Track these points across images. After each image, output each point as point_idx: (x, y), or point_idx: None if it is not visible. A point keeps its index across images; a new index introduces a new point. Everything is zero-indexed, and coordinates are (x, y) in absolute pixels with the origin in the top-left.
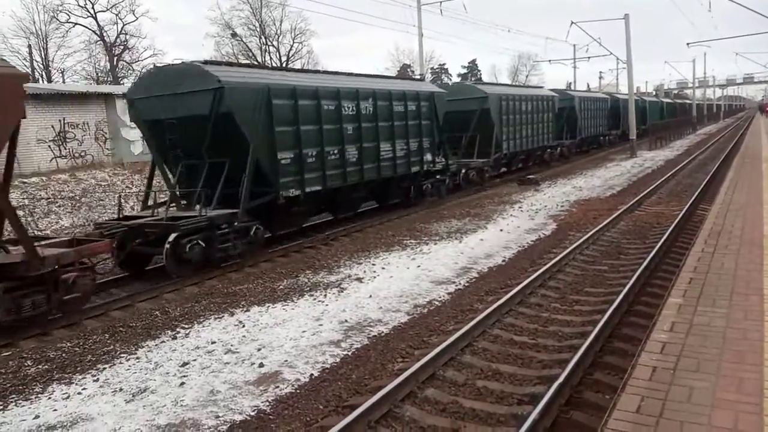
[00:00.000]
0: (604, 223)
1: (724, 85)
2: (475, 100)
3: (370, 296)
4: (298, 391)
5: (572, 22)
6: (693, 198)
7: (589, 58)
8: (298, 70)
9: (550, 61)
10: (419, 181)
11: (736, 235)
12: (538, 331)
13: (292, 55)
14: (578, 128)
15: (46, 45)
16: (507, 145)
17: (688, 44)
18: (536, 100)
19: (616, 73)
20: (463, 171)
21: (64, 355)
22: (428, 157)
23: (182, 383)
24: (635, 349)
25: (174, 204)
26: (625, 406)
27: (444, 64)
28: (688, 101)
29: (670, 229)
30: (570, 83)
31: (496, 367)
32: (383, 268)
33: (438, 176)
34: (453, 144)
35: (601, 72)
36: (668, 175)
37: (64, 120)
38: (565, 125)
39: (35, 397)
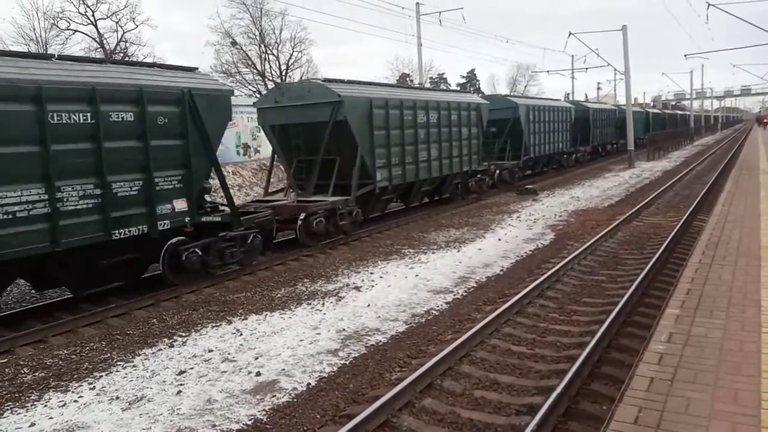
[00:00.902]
0: (603, 233)
1: (721, 96)
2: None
3: (368, 305)
4: (295, 400)
5: (570, 33)
6: (691, 209)
7: (587, 68)
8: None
9: (548, 71)
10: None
11: (734, 246)
12: (536, 342)
13: (292, 64)
14: (591, 136)
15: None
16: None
17: (685, 56)
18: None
19: (614, 83)
20: (498, 171)
21: (60, 362)
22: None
23: (179, 391)
24: (633, 359)
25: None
26: (623, 417)
27: (443, 74)
28: (685, 112)
29: (668, 239)
30: (568, 94)
31: (494, 377)
32: (381, 277)
33: (479, 175)
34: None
35: (599, 83)
36: (666, 185)
37: None
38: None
39: (31, 405)
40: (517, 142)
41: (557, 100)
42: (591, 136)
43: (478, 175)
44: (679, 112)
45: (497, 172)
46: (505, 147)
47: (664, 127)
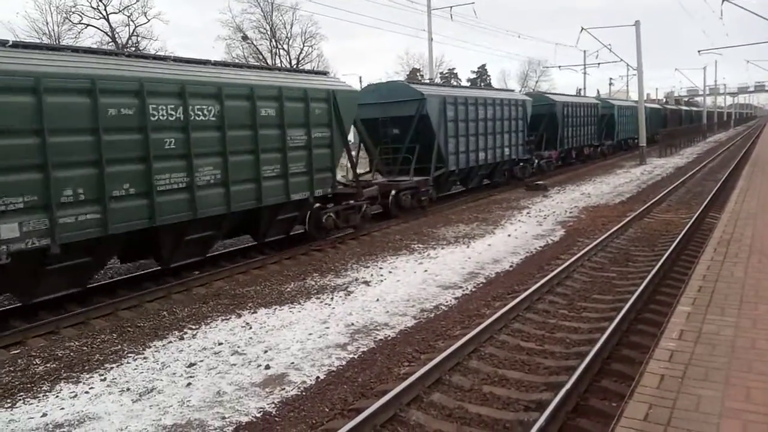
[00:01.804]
0: (613, 230)
1: (735, 93)
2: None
3: (377, 300)
4: (304, 393)
5: (582, 29)
6: (703, 206)
7: (599, 64)
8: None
9: (560, 66)
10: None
11: (746, 243)
12: (545, 338)
13: (302, 59)
14: (615, 132)
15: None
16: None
17: (699, 52)
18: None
19: (626, 79)
20: (537, 161)
21: (72, 354)
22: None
23: (189, 384)
24: (643, 356)
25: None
26: (633, 414)
27: (453, 69)
28: (696, 109)
29: (680, 236)
30: (579, 89)
31: (502, 372)
32: (390, 272)
33: (522, 163)
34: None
35: (611, 78)
36: (678, 182)
37: None
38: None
39: (43, 396)
40: (553, 135)
41: (587, 97)
42: (615, 131)
43: (521, 163)
44: (684, 108)
45: (536, 161)
46: (542, 139)
47: (664, 125)
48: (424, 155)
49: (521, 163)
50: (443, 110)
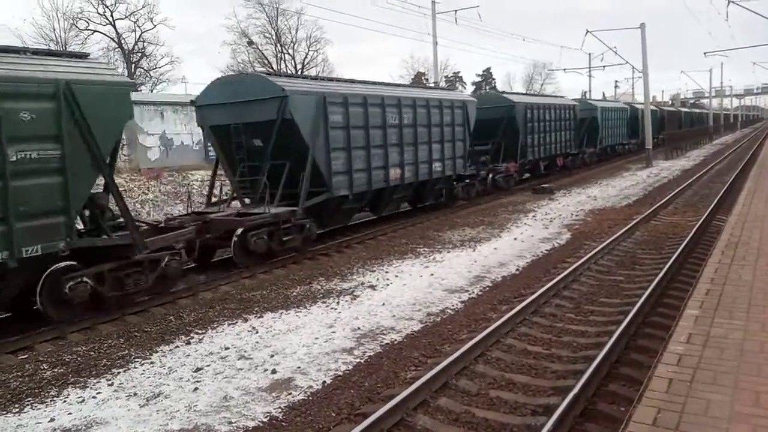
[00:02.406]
0: (620, 233)
1: (741, 95)
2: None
3: (383, 304)
4: (310, 398)
5: (588, 31)
6: (710, 208)
7: (604, 67)
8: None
9: (565, 69)
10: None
11: (754, 246)
12: (552, 341)
13: (307, 63)
14: (599, 137)
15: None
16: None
17: (705, 54)
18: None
19: (632, 82)
20: (491, 176)
21: (79, 359)
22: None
23: (196, 388)
24: (651, 360)
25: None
26: (641, 418)
27: (458, 72)
28: (700, 110)
29: (687, 239)
30: (585, 92)
31: (509, 377)
32: (396, 276)
33: (467, 179)
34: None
35: (616, 81)
36: (684, 185)
37: None
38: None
39: (51, 401)
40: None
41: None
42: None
43: (466, 180)
44: (684, 109)
45: (491, 176)
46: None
47: (660, 128)
48: (510, 149)
49: (466, 180)
50: (322, 113)
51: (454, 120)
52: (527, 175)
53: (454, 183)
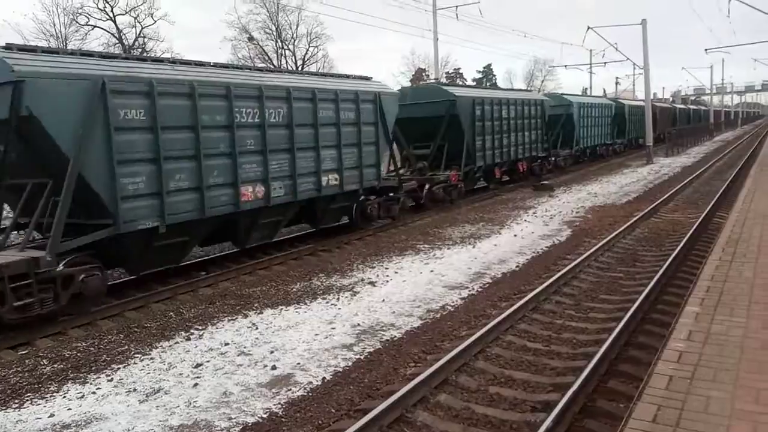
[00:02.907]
0: (620, 229)
1: (742, 91)
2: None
3: (383, 300)
4: (310, 394)
5: (589, 27)
6: (710, 205)
7: (605, 63)
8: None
9: (566, 66)
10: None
11: (755, 243)
12: (551, 338)
13: (308, 59)
14: (627, 130)
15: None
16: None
17: (706, 50)
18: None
19: (633, 78)
20: (553, 158)
21: (79, 354)
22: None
23: (195, 384)
24: (651, 357)
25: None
26: (641, 415)
27: (459, 69)
28: (696, 107)
29: (687, 236)
30: (586, 89)
31: (509, 373)
32: (396, 273)
33: (539, 160)
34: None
35: (617, 78)
36: (685, 182)
37: None
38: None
39: (50, 396)
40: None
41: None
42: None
43: (539, 160)
44: (678, 106)
45: (553, 159)
46: (557, 139)
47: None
48: (454, 153)
49: (539, 160)
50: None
51: (359, 117)
52: (482, 184)
53: (367, 199)
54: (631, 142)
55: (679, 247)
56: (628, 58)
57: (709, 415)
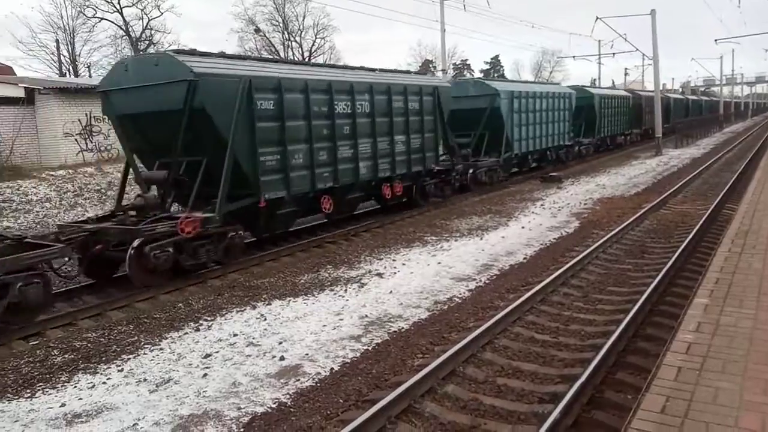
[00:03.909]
0: (629, 221)
1: (752, 82)
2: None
3: (391, 292)
4: (318, 384)
5: (597, 18)
6: (720, 197)
7: (614, 54)
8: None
9: (574, 57)
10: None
11: (764, 234)
12: (559, 330)
13: (315, 51)
14: (671, 118)
15: (73, 40)
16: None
17: (716, 41)
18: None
19: (642, 69)
20: (577, 147)
21: (89, 345)
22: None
23: (205, 374)
24: (659, 349)
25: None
26: (650, 407)
27: (466, 60)
28: (697, 97)
29: (696, 228)
30: (594, 80)
31: (516, 365)
32: (404, 264)
33: (566, 148)
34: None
35: (626, 68)
36: (694, 173)
37: (90, 114)
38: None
39: (61, 386)
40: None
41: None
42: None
43: (564, 149)
44: (674, 96)
45: (577, 147)
46: (581, 128)
47: (639, 116)
48: (493, 141)
49: (564, 149)
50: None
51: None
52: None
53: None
54: (646, 132)
55: (687, 239)
56: (637, 49)
57: (717, 406)
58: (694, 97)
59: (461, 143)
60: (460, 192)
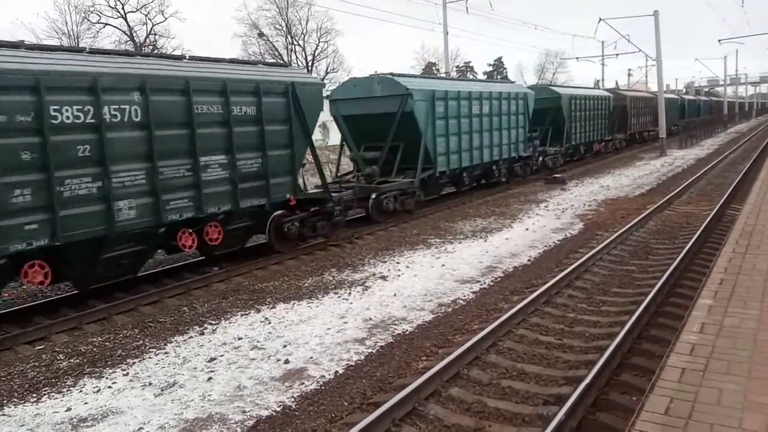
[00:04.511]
0: (633, 222)
1: (756, 82)
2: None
3: (395, 294)
4: (323, 387)
5: (600, 19)
6: (724, 198)
7: (617, 55)
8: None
9: (577, 58)
10: (511, 164)
11: None
12: (564, 332)
13: (318, 54)
14: (686, 116)
15: (78, 45)
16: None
17: (719, 41)
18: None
19: (645, 70)
20: (541, 158)
21: (95, 349)
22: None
23: (210, 378)
24: (664, 350)
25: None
26: (654, 408)
27: (470, 62)
28: (693, 97)
29: (701, 229)
30: (597, 81)
31: (521, 367)
32: (408, 267)
33: (521, 161)
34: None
35: (629, 69)
36: (698, 174)
37: None
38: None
39: (67, 390)
40: (624, 123)
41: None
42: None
43: (603, 142)
44: (669, 95)
45: (540, 158)
46: (547, 135)
47: (624, 119)
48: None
49: (520, 161)
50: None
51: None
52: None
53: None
54: (633, 137)
55: (692, 240)
56: (640, 50)
57: (721, 407)
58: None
59: (367, 158)
60: (365, 224)
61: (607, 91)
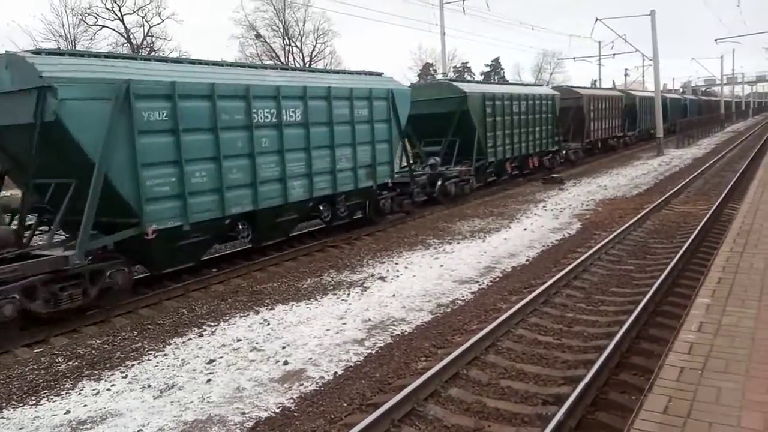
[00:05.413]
0: (631, 222)
1: (753, 81)
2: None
3: (394, 295)
4: (322, 388)
5: (597, 19)
6: (721, 197)
7: (614, 55)
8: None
9: (574, 58)
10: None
11: (766, 234)
12: (562, 332)
13: (315, 56)
14: (638, 122)
15: (75, 47)
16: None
17: (716, 40)
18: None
19: (642, 70)
20: (564, 152)
21: (93, 351)
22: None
23: (209, 380)
24: (662, 349)
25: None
26: (652, 407)
27: (467, 63)
28: (690, 96)
29: (698, 228)
30: (594, 81)
31: (520, 367)
32: (406, 268)
33: (550, 154)
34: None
35: (626, 69)
36: (696, 173)
37: None
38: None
39: (66, 393)
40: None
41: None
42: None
43: (549, 155)
44: (666, 95)
45: (564, 152)
46: (569, 131)
47: (633, 118)
48: (465, 148)
49: (550, 154)
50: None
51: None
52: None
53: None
54: (641, 134)
55: (690, 239)
56: (637, 50)
57: (720, 405)
58: (692, 97)
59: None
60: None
61: (619, 90)
